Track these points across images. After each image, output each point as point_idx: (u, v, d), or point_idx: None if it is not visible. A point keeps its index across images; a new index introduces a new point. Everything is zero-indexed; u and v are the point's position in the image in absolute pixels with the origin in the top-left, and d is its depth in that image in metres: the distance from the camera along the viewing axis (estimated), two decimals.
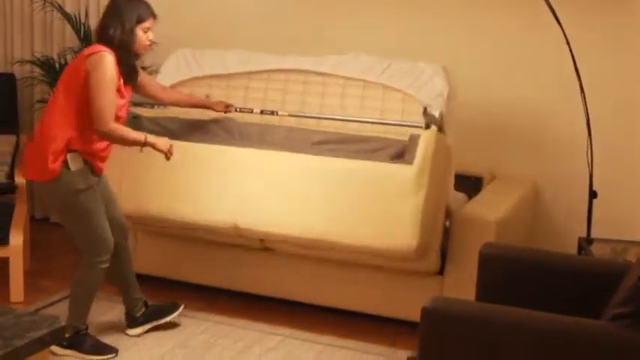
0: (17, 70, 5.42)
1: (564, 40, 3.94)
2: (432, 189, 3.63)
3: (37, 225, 5.28)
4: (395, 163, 3.69)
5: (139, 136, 3.62)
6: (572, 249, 4.15)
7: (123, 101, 3.60)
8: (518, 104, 4.54)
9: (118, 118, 3.54)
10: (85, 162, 3.52)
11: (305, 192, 3.78)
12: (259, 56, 4.42)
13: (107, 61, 3.44)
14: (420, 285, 3.88)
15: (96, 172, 3.58)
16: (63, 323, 1.70)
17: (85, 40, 5.03)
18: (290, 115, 4.12)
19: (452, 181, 3.96)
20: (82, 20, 5.10)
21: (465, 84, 4.58)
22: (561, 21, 3.91)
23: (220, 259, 4.25)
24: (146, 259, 4.44)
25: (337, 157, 3.78)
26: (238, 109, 4.15)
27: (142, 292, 3.94)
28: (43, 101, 5.25)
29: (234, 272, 4.24)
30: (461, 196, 4.35)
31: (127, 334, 3.87)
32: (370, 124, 4.02)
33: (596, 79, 4.25)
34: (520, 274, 3.10)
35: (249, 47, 4.61)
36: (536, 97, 4.51)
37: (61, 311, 3.87)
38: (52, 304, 4.16)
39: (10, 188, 4.73)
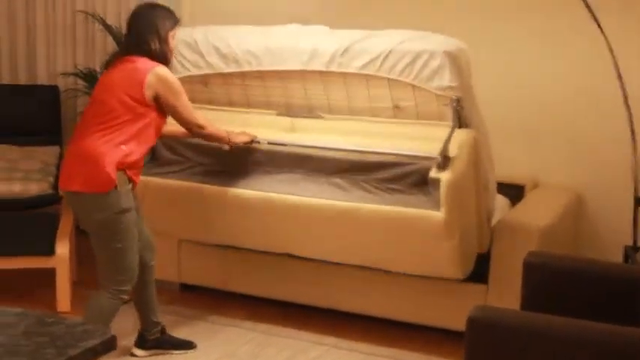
0: (61, 82, 5.50)
1: (607, 46, 3.90)
2: (465, 219, 3.59)
3: (82, 235, 5.33)
4: (421, 209, 3.52)
5: (223, 133, 3.74)
6: (617, 257, 4.10)
7: (164, 119, 3.60)
8: (559, 110, 4.50)
9: (158, 133, 3.58)
10: (129, 181, 3.47)
11: (344, 234, 3.77)
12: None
13: (168, 72, 3.50)
14: (464, 294, 3.86)
15: (135, 186, 3.54)
16: (113, 333, 1.72)
17: None
18: (304, 146, 3.84)
19: (493, 181, 3.89)
20: (124, 32, 5.15)
21: (504, 89, 4.58)
22: (602, 26, 3.88)
23: (265, 268, 4.26)
24: (190, 269, 4.47)
25: (365, 203, 3.63)
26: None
27: (186, 302, 3.96)
28: None
29: (278, 282, 4.25)
30: (504, 200, 4.33)
31: (132, 353, 3.83)
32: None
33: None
34: (565, 283, 3.07)
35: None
36: (579, 103, 4.46)
37: None
38: None
39: (56, 199, 4.80)
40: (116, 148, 3.40)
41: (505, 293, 3.71)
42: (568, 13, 4.34)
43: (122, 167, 3.41)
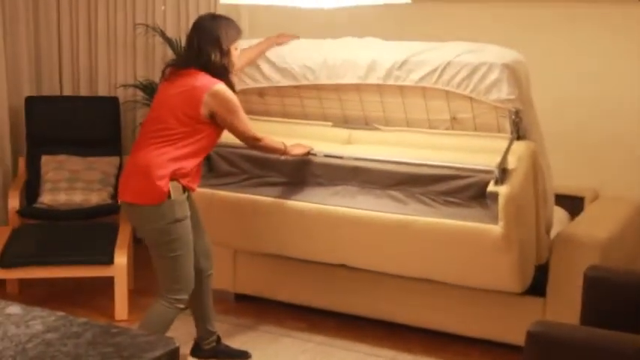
0: (121, 94, 5.58)
1: None
2: (524, 233, 3.55)
3: (139, 244, 5.40)
4: (479, 222, 3.49)
5: (280, 146, 3.73)
6: None
7: (219, 135, 3.61)
8: (619, 120, 4.43)
9: (213, 145, 3.61)
10: (184, 190, 3.49)
11: (401, 247, 3.77)
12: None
13: (225, 89, 3.47)
14: (522, 307, 3.82)
15: (191, 192, 3.58)
16: (178, 344, 1.74)
17: None
18: (360, 159, 3.83)
19: (551, 192, 3.83)
20: (183, 44, 5.22)
21: (563, 100, 4.53)
22: None
23: (320, 279, 4.27)
24: (246, 279, 4.50)
25: (422, 216, 3.62)
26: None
27: (241, 312, 3.98)
28: None
29: (334, 292, 4.25)
30: (562, 213, 4.28)
31: None
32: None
33: None
34: (626, 298, 3.02)
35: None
36: (638, 113, 4.39)
37: None
38: None
39: (115, 209, 4.87)
40: (169, 161, 3.42)
41: (564, 307, 3.66)
42: (625, 23, 4.29)
43: (176, 177, 3.43)
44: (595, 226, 3.89)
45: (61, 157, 5.20)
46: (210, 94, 3.43)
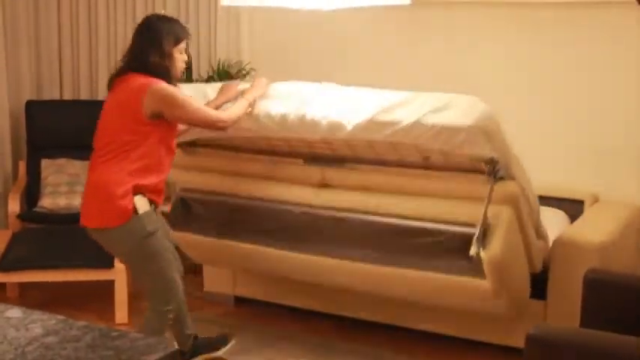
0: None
1: None
2: (514, 271, 3.53)
3: None
4: (465, 276, 3.42)
5: (244, 105, 3.56)
6: None
7: (175, 131, 3.48)
8: (619, 124, 4.43)
9: (170, 152, 3.44)
10: (150, 203, 3.37)
11: (389, 294, 3.83)
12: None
13: (164, 85, 3.32)
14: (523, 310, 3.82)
15: (157, 207, 3.45)
16: (177, 347, 1.74)
17: (186, 68, 5.15)
18: (340, 210, 3.72)
19: (534, 198, 3.69)
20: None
21: (564, 104, 4.53)
22: None
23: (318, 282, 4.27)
24: (244, 282, 4.50)
25: (406, 268, 3.56)
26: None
27: (240, 315, 3.97)
28: None
29: (333, 295, 4.25)
30: (561, 215, 4.28)
31: None
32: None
33: None
34: (626, 301, 3.02)
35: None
36: (638, 115, 4.39)
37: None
38: None
39: None
40: (128, 176, 3.29)
41: (564, 310, 3.66)
42: (626, 28, 4.29)
43: (139, 191, 3.31)
44: (595, 230, 3.89)
45: (61, 161, 5.20)
46: (149, 94, 3.29)
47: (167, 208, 4.08)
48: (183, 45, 3.45)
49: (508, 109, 4.66)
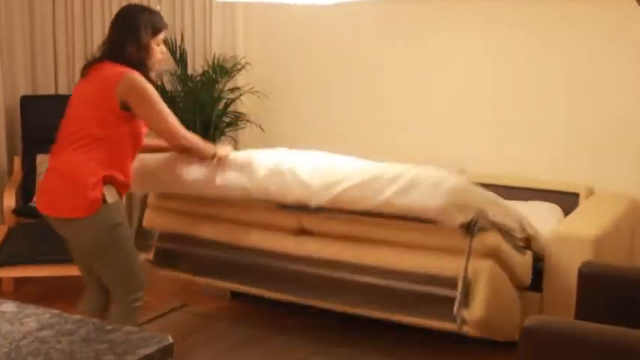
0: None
1: None
2: (501, 320, 3.55)
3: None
4: (451, 322, 3.38)
5: (209, 148, 3.54)
6: None
7: (144, 129, 3.38)
8: (615, 117, 4.44)
9: (137, 141, 3.36)
10: (119, 194, 3.29)
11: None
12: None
13: (140, 78, 3.23)
14: None
15: (122, 198, 3.35)
16: (171, 340, 1.74)
17: (181, 62, 5.16)
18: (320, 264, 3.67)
19: (500, 204, 3.62)
20: (178, 43, 5.23)
21: (561, 97, 4.54)
22: None
23: None
24: None
25: (392, 313, 3.57)
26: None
27: (236, 310, 3.97)
28: None
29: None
30: (555, 209, 4.28)
31: None
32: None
33: None
34: (620, 293, 3.03)
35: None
36: (635, 110, 4.40)
37: (161, 325, 3.97)
38: (155, 318, 4.27)
39: None
40: (98, 166, 3.20)
41: (560, 302, 3.67)
42: (622, 22, 4.30)
43: (109, 181, 3.23)
44: (590, 223, 3.90)
45: None
46: (122, 81, 3.20)
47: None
48: (161, 36, 3.37)
49: (503, 102, 4.69)
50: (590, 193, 4.46)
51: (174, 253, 4.01)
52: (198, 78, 5.12)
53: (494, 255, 3.38)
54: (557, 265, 3.76)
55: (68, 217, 3.24)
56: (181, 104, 5.12)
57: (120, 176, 3.27)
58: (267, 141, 5.32)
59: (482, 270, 3.33)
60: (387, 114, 5.04)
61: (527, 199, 4.46)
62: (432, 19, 4.84)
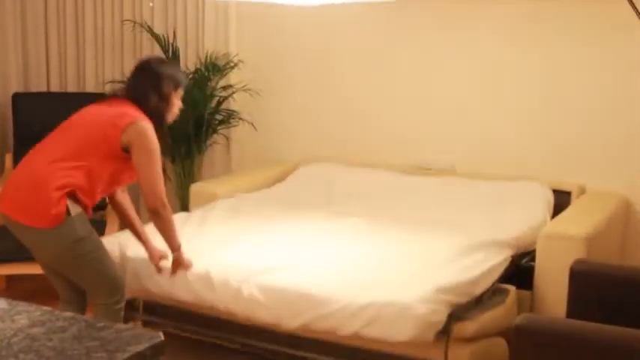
0: (108, 90, 5.56)
1: None
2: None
3: None
4: None
5: (177, 238, 3.41)
6: None
7: (127, 179, 3.38)
8: (606, 116, 4.45)
9: (118, 182, 3.34)
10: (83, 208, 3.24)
11: None
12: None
13: (152, 132, 3.25)
14: None
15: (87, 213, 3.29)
16: (163, 337, 1.74)
17: (174, 59, 5.15)
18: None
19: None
20: (171, 40, 5.23)
21: (551, 97, 4.55)
22: None
23: None
24: None
25: None
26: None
27: None
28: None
29: None
30: (542, 190, 4.37)
31: None
32: None
33: None
34: (612, 291, 3.04)
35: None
36: (626, 108, 4.41)
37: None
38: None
39: (101, 205, 4.84)
40: (68, 185, 3.16)
41: (551, 301, 3.68)
42: (613, 21, 4.31)
43: (74, 197, 3.18)
44: (581, 221, 3.91)
45: None
46: (135, 125, 3.22)
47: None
48: (181, 91, 3.43)
49: (495, 101, 4.70)
50: (582, 191, 4.47)
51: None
52: (191, 75, 5.12)
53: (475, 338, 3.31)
54: (549, 263, 3.76)
55: (26, 224, 3.18)
56: None
57: (86, 200, 3.22)
58: (260, 139, 5.33)
59: (464, 357, 3.24)
60: (379, 114, 5.04)
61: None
62: (426, 17, 4.84)
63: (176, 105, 3.42)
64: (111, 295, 3.34)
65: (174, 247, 3.43)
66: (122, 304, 3.38)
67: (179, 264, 3.46)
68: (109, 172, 3.27)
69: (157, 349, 1.72)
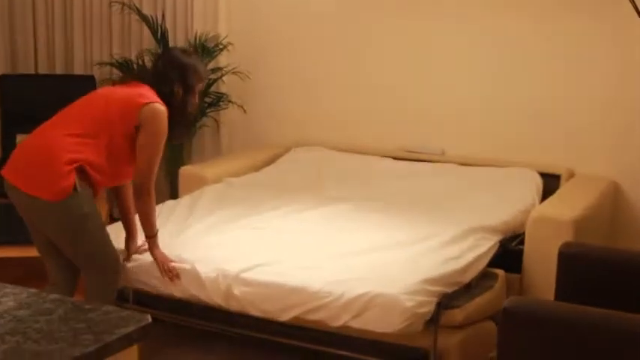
0: (97, 72, 5.54)
1: None
2: None
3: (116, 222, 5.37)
4: None
5: (154, 225, 3.39)
6: None
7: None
8: (595, 99, 4.46)
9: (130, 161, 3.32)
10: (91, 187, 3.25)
11: None
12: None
13: (164, 117, 3.27)
14: None
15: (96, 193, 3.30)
16: (150, 319, 1.74)
17: (162, 41, 5.12)
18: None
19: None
20: (159, 22, 5.19)
21: (541, 81, 4.55)
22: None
23: None
24: None
25: None
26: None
27: None
28: None
29: None
30: (531, 174, 4.38)
31: None
32: None
33: None
34: (600, 274, 3.05)
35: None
36: (615, 92, 4.41)
37: None
38: None
39: None
40: (84, 154, 3.19)
41: (539, 283, 3.69)
42: (597, 8, 4.31)
43: (84, 168, 3.19)
44: (570, 204, 3.92)
45: None
46: (151, 106, 3.25)
47: None
48: (201, 85, 3.48)
49: (485, 85, 4.70)
50: (571, 175, 4.48)
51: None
52: None
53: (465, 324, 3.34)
54: (538, 246, 3.77)
55: (36, 195, 3.17)
56: None
57: (95, 176, 3.23)
58: (249, 122, 5.31)
59: (454, 344, 3.29)
60: (370, 96, 5.02)
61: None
62: (413, 0, 4.83)
63: (195, 99, 3.45)
64: (105, 274, 3.34)
65: (150, 234, 3.41)
66: (116, 285, 3.39)
67: (152, 252, 3.41)
68: (121, 151, 3.27)
69: (144, 330, 1.71)
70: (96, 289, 3.34)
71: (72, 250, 3.33)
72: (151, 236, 3.42)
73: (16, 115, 5.27)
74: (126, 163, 3.34)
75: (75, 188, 3.15)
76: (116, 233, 3.55)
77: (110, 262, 3.36)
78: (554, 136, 4.56)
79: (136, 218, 3.48)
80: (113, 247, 3.39)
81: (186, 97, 3.38)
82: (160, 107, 3.27)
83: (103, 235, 3.35)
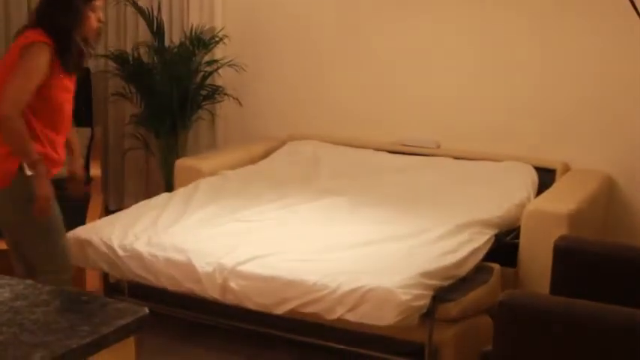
0: (92, 65, 5.51)
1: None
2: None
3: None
4: None
5: (33, 151, 3.03)
6: None
7: (68, 95, 3.21)
8: (591, 93, 4.46)
9: (62, 114, 3.18)
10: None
11: None
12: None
13: (38, 51, 2.99)
14: None
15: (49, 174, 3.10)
16: (147, 311, 1.74)
17: (158, 33, 5.11)
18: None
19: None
20: (155, 14, 5.17)
21: (537, 74, 4.55)
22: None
23: None
24: None
25: None
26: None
27: None
28: (117, 94, 5.35)
29: None
30: (527, 169, 4.37)
31: None
32: None
33: None
34: (596, 268, 3.05)
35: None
36: (611, 86, 4.41)
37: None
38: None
39: (86, 179, 4.82)
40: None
41: (535, 277, 3.70)
42: (601, 4, 4.31)
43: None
44: (565, 198, 3.92)
45: None
46: (29, 44, 3.00)
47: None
48: (97, 2, 3.14)
49: (480, 78, 4.70)
50: (567, 169, 4.49)
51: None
52: (175, 50, 5.08)
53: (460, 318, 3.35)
54: (533, 240, 3.78)
55: None
56: (158, 77, 5.07)
57: (40, 148, 3.05)
58: (245, 115, 5.30)
59: (449, 338, 3.31)
60: (366, 90, 5.02)
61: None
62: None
63: (92, 18, 3.14)
64: (57, 264, 3.20)
65: (31, 161, 3.03)
66: (69, 277, 3.26)
67: (39, 187, 3.06)
68: (34, 103, 3.05)
69: (140, 321, 1.71)
70: (51, 282, 3.11)
71: (23, 239, 3.20)
72: (32, 164, 3.04)
73: None
74: (53, 113, 3.17)
75: (21, 171, 3.01)
76: (113, 225, 3.55)
77: (62, 252, 3.24)
78: (550, 131, 4.57)
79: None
80: (65, 237, 3.29)
81: (68, 20, 3.06)
82: (37, 44, 3.00)
83: (56, 225, 3.20)
